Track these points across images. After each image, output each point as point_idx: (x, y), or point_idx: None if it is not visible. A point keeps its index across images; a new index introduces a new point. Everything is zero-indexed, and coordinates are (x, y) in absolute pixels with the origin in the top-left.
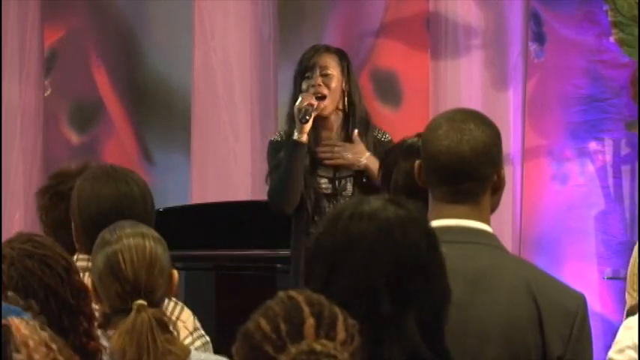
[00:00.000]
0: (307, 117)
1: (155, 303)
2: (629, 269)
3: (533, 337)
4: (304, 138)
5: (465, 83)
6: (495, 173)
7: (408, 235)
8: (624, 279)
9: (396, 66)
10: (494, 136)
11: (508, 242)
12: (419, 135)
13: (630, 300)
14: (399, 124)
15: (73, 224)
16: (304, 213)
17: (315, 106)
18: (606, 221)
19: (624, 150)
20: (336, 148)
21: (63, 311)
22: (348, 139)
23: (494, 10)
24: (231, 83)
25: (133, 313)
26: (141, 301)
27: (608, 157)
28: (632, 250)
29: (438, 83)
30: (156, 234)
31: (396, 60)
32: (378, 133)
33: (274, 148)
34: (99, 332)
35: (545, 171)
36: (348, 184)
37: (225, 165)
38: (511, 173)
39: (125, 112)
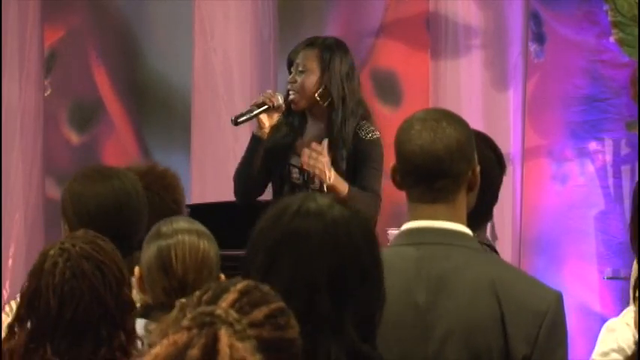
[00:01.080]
0: (238, 119)
1: None
2: (632, 273)
3: (495, 338)
4: (262, 132)
5: (465, 83)
6: (470, 170)
7: (351, 236)
8: (624, 279)
9: (396, 66)
10: (467, 133)
11: (508, 242)
12: None
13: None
14: (399, 124)
15: (66, 225)
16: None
17: (269, 106)
18: (606, 221)
19: (624, 150)
20: (313, 154)
21: (103, 321)
22: (329, 133)
23: (494, 10)
24: (231, 83)
25: (174, 311)
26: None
27: (608, 157)
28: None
29: (438, 83)
30: (210, 235)
31: (396, 60)
32: (364, 130)
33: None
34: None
35: (545, 171)
36: (317, 177)
37: (225, 165)
38: (511, 173)
39: (125, 112)
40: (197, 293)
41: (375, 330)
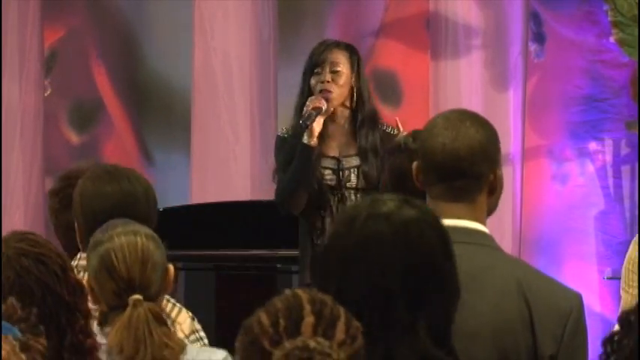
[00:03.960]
0: (307, 122)
1: (150, 298)
2: (624, 264)
3: (524, 337)
4: (314, 142)
5: (465, 83)
6: (492, 173)
7: (423, 237)
8: None
9: (396, 66)
10: (490, 135)
11: (508, 242)
12: (412, 132)
13: (626, 296)
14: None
15: (76, 224)
16: (310, 208)
17: (322, 110)
18: (606, 221)
19: (624, 150)
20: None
21: (60, 309)
22: (354, 134)
23: (494, 10)
24: (231, 83)
25: (129, 309)
26: (137, 296)
27: (608, 157)
28: None
29: (438, 83)
30: (148, 230)
31: (396, 60)
32: (387, 127)
33: (281, 143)
34: (95, 329)
35: (545, 171)
36: (352, 175)
37: (225, 165)
38: (511, 173)
39: (125, 112)
40: (266, 321)
41: (450, 334)
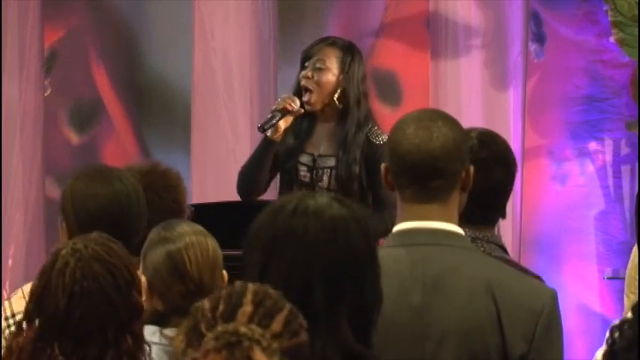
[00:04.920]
0: (265, 127)
1: None
2: (627, 272)
3: (493, 337)
4: (277, 136)
5: (465, 83)
6: (464, 170)
7: (349, 235)
8: (624, 279)
9: (396, 66)
10: (461, 133)
11: (508, 242)
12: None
13: (629, 303)
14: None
15: (64, 223)
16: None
17: (289, 111)
18: (606, 221)
19: (624, 150)
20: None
21: (111, 324)
22: (342, 135)
23: (494, 10)
24: (231, 83)
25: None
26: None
27: (608, 157)
28: (632, 250)
29: (438, 83)
30: (209, 233)
31: (396, 60)
32: (373, 134)
33: None
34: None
35: (545, 171)
36: (325, 175)
37: (225, 165)
38: None
39: (125, 112)
40: (207, 306)
41: (371, 330)
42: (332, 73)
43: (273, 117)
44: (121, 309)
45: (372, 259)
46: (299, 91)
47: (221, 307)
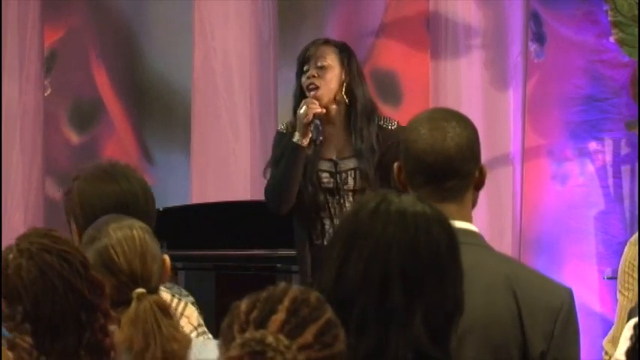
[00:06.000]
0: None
1: (152, 290)
2: (620, 267)
3: (514, 333)
4: (305, 141)
5: (465, 83)
6: (477, 169)
7: (431, 233)
8: None
9: (396, 66)
10: (474, 132)
11: (508, 242)
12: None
13: (622, 298)
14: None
15: (73, 225)
16: (304, 209)
17: (320, 112)
18: (606, 221)
19: (624, 150)
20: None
21: (81, 306)
22: (350, 130)
23: (494, 10)
24: (231, 83)
25: (134, 303)
26: (140, 290)
27: (608, 157)
28: None
29: (438, 83)
30: (141, 223)
31: (396, 60)
32: (384, 121)
33: (279, 139)
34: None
35: (545, 171)
36: (349, 178)
37: (225, 165)
38: (511, 173)
39: (125, 112)
40: (243, 307)
41: (449, 335)
42: (335, 69)
43: (317, 125)
44: (85, 291)
45: (454, 260)
46: (302, 96)
47: (256, 312)
